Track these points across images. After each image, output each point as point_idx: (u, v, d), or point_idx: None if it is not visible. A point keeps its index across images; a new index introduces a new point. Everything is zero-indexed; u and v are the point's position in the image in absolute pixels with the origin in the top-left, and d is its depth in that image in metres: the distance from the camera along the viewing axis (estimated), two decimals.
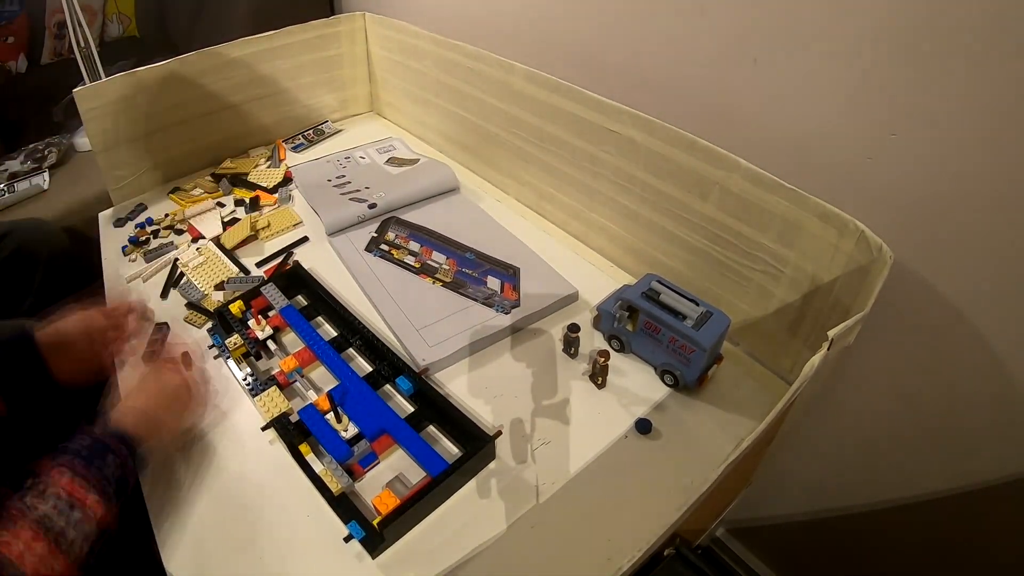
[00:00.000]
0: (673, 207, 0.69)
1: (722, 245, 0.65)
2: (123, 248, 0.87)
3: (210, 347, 0.70)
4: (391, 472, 0.57)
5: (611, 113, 0.70)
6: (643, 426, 0.60)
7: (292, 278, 0.79)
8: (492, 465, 0.58)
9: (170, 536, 0.53)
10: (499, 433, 0.59)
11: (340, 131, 1.19)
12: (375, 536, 0.50)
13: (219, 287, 0.79)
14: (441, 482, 0.53)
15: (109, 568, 0.47)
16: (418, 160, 1.03)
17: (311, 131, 1.16)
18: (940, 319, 0.58)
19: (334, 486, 0.54)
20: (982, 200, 0.51)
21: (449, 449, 0.59)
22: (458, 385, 0.65)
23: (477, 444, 0.56)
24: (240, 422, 0.62)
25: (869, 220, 0.52)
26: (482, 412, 0.62)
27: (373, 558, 0.51)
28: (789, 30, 0.58)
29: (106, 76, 1.02)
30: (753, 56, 0.62)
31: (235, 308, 0.72)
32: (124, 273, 0.83)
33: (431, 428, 0.61)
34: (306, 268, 0.80)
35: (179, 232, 0.91)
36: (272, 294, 0.74)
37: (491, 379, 0.66)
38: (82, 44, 1.03)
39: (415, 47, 1.01)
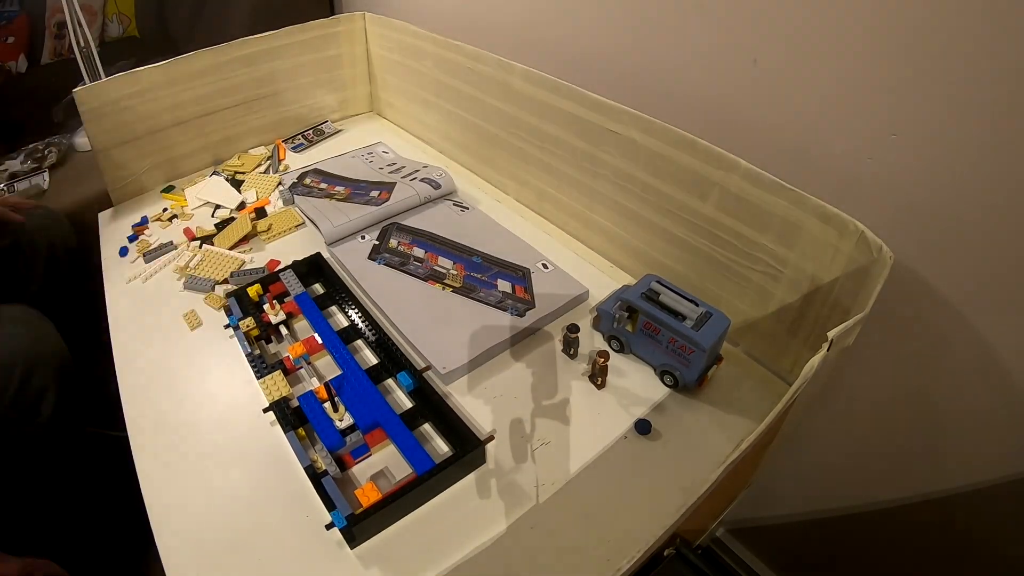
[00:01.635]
0: (673, 207, 0.68)
1: (722, 245, 0.65)
2: (122, 250, 0.87)
3: (226, 327, 0.72)
4: (380, 465, 0.58)
5: (611, 113, 0.70)
6: (643, 427, 0.60)
7: (311, 266, 0.81)
8: (490, 465, 0.58)
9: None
10: (491, 438, 0.59)
11: (340, 131, 1.19)
12: (355, 528, 0.51)
13: (223, 282, 0.80)
14: (424, 481, 0.54)
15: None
16: (413, 163, 1.03)
17: (311, 131, 1.16)
18: (940, 319, 0.58)
19: (320, 467, 0.56)
20: (982, 200, 0.51)
21: (440, 448, 0.60)
22: (458, 385, 0.65)
23: (466, 447, 0.56)
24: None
25: (869, 220, 0.52)
26: (482, 412, 0.62)
27: (351, 548, 0.52)
28: (789, 30, 0.58)
29: (106, 76, 1.02)
30: (753, 56, 0.62)
31: (252, 292, 0.75)
32: (124, 274, 0.83)
33: (426, 426, 0.62)
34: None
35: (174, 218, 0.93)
36: (290, 280, 0.77)
37: (490, 379, 0.66)
38: (82, 44, 1.03)
39: (415, 47, 1.01)
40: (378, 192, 0.93)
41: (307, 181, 0.98)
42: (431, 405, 0.62)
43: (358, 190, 0.95)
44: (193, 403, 0.65)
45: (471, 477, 0.57)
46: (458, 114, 0.99)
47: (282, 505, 0.55)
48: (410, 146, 1.13)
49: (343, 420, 0.60)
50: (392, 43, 1.08)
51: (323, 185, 0.97)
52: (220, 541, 0.53)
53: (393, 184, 0.95)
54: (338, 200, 0.92)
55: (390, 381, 0.66)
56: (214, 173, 1.03)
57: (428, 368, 0.66)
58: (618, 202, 0.76)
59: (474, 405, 0.63)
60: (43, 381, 0.77)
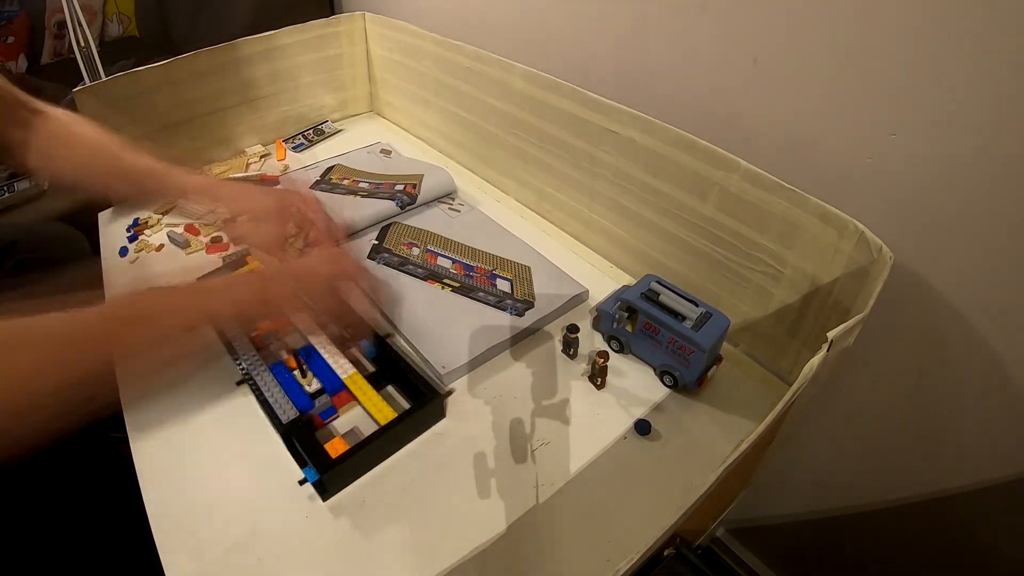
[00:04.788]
0: (673, 207, 0.68)
1: (722, 246, 0.65)
2: (122, 250, 0.87)
3: None
4: (348, 425, 0.61)
5: (611, 113, 0.70)
6: (642, 427, 0.60)
7: None
8: (449, 421, 0.60)
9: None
10: (450, 392, 0.63)
11: (340, 131, 1.19)
12: (325, 478, 0.54)
13: None
14: (387, 431, 0.57)
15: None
16: (413, 163, 1.03)
17: (311, 131, 1.16)
18: (940, 319, 0.58)
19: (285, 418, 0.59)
20: (982, 200, 0.51)
21: (404, 405, 0.62)
22: (458, 385, 0.65)
23: (425, 399, 0.60)
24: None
25: (869, 220, 0.52)
26: (482, 412, 0.62)
27: (324, 500, 0.54)
28: (789, 30, 0.58)
29: (106, 76, 1.02)
30: (753, 56, 0.62)
31: None
32: (124, 274, 0.83)
33: (389, 388, 0.64)
34: None
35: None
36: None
37: (490, 379, 0.66)
38: (82, 44, 1.03)
39: (415, 47, 1.01)
40: (403, 187, 0.93)
41: (333, 178, 0.98)
42: (394, 368, 0.65)
43: (381, 184, 0.95)
44: (190, 400, 0.65)
45: (431, 432, 0.60)
46: (458, 114, 0.99)
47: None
48: (410, 146, 1.13)
49: (311, 385, 0.63)
50: (392, 43, 1.08)
51: (345, 181, 0.97)
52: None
53: (420, 176, 0.95)
54: (362, 196, 0.92)
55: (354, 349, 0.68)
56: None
57: (390, 335, 0.69)
58: (618, 202, 0.76)
59: (474, 405, 0.63)
60: None
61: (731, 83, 0.65)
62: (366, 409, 0.61)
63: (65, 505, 0.85)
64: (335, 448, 0.55)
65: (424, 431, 0.60)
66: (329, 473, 0.53)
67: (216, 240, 0.87)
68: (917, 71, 0.51)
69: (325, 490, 0.54)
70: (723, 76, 0.66)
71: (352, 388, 0.62)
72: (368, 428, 0.60)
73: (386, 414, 0.59)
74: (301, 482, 0.54)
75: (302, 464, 0.55)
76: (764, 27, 0.60)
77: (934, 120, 0.52)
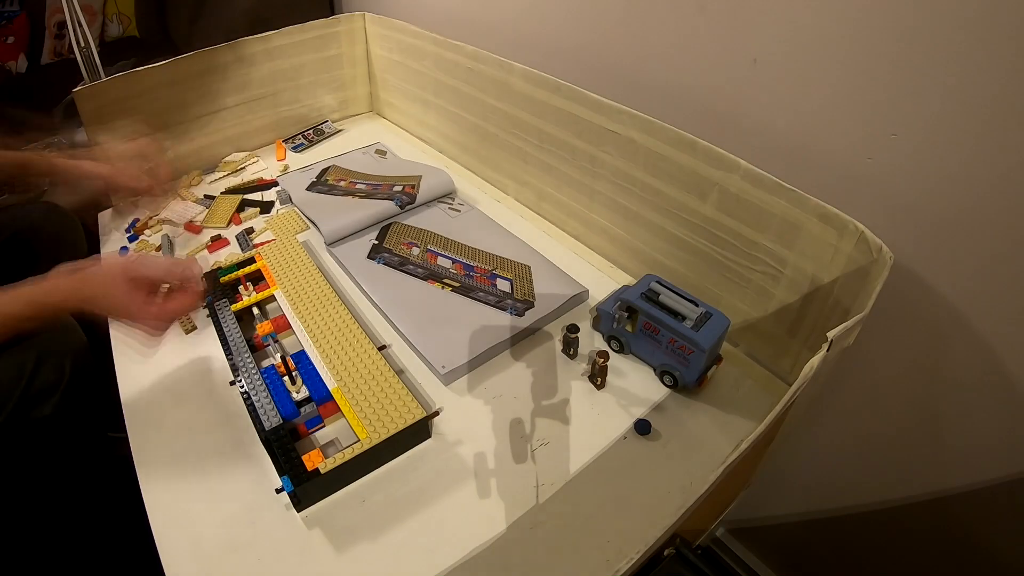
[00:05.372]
0: (673, 207, 0.68)
1: (721, 246, 0.65)
2: (122, 249, 0.87)
3: (204, 307, 0.73)
4: (333, 436, 0.60)
5: (611, 113, 0.70)
6: (642, 427, 0.60)
7: None
8: (435, 440, 0.59)
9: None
10: (436, 412, 0.61)
11: (340, 131, 1.19)
12: (299, 490, 0.53)
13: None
14: (368, 449, 0.56)
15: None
16: (409, 164, 1.03)
17: (311, 131, 1.16)
18: (940, 319, 0.58)
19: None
20: (982, 200, 0.51)
21: None
22: (458, 384, 0.65)
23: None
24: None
25: (869, 220, 0.52)
26: (481, 412, 0.62)
27: (298, 511, 0.54)
28: (789, 30, 0.58)
29: (106, 76, 1.02)
30: (753, 56, 0.62)
31: (227, 275, 0.77)
32: None
33: None
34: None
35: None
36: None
37: (490, 379, 0.66)
38: (82, 44, 1.03)
39: (415, 47, 1.01)
40: (401, 187, 0.93)
41: (329, 180, 0.98)
42: None
43: (379, 185, 0.95)
44: (189, 401, 0.65)
45: (417, 450, 0.59)
46: (458, 114, 0.99)
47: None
48: (410, 146, 1.13)
49: (300, 392, 0.62)
50: (392, 43, 1.08)
51: (342, 183, 0.97)
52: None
53: (419, 177, 0.95)
54: (360, 197, 0.92)
55: None
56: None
57: (385, 347, 0.68)
58: (618, 202, 0.76)
59: (474, 405, 0.63)
60: (54, 375, 0.77)
61: (731, 83, 0.65)
62: (349, 423, 0.59)
63: (65, 505, 0.85)
64: (312, 461, 0.54)
65: (406, 451, 0.59)
66: (303, 486, 0.53)
67: (216, 239, 0.88)
68: (917, 71, 0.51)
69: (299, 501, 0.54)
70: (723, 76, 0.66)
71: (338, 399, 0.61)
72: (350, 442, 0.58)
73: (368, 431, 0.57)
74: (278, 491, 0.53)
75: (280, 473, 0.54)
76: (764, 27, 0.60)
77: (934, 120, 0.52)
